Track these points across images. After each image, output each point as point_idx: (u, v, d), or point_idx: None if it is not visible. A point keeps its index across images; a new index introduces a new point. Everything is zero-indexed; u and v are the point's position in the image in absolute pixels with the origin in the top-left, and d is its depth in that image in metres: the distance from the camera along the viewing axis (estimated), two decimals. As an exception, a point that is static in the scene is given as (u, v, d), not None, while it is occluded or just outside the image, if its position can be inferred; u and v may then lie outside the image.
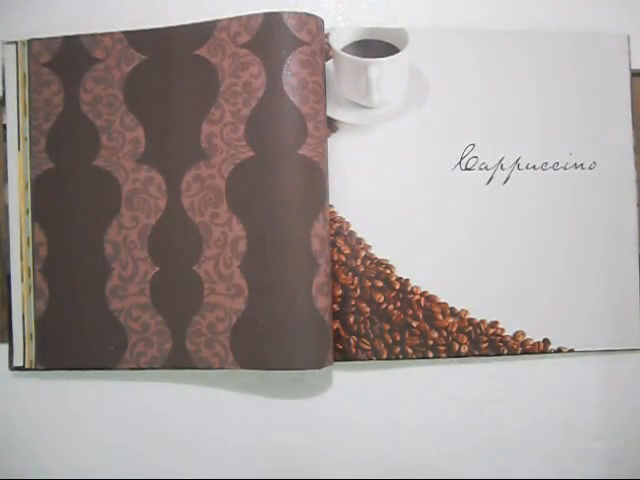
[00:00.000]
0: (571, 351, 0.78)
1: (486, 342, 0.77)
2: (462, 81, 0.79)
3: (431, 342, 0.77)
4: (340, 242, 0.77)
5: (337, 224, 0.77)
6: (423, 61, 0.78)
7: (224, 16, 0.74)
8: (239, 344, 0.73)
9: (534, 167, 0.79)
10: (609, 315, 0.78)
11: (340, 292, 0.77)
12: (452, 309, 0.77)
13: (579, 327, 0.78)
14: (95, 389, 0.79)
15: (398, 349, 0.77)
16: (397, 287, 0.77)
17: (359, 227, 0.77)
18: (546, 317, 0.78)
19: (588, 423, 0.79)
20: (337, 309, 0.76)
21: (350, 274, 0.77)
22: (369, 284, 0.77)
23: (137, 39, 0.76)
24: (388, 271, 0.77)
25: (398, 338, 0.77)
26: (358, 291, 0.77)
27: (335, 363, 0.75)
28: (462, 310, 0.77)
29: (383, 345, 0.77)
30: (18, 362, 0.77)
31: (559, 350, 0.78)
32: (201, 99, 0.75)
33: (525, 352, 0.77)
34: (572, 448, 0.79)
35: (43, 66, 0.78)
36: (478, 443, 0.79)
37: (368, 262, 0.77)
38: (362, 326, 0.76)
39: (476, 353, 0.77)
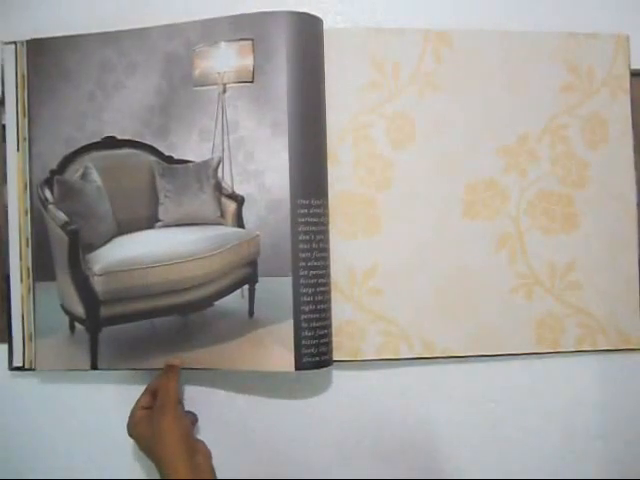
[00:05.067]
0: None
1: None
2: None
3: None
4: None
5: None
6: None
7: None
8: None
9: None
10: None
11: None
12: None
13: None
14: (95, 389, 0.79)
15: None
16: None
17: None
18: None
19: (588, 423, 0.79)
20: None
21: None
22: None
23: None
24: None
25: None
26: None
27: (335, 363, 0.75)
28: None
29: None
30: (18, 362, 0.77)
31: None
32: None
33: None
34: (572, 448, 0.79)
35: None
36: (478, 443, 0.79)
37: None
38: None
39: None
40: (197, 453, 0.72)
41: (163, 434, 0.69)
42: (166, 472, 0.68)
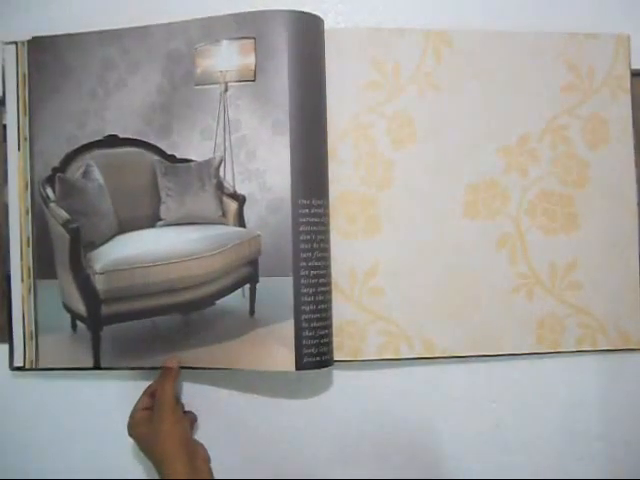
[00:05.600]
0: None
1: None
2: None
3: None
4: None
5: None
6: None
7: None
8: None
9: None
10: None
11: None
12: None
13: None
14: (96, 388, 0.79)
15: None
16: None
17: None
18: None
19: (588, 423, 0.79)
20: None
21: (350, 274, 0.78)
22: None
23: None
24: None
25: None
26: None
27: (335, 363, 0.75)
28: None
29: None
30: (18, 362, 0.77)
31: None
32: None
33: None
34: (572, 448, 0.79)
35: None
36: (478, 443, 0.79)
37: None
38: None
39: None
40: (196, 457, 0.72)
41: (163, 437, 0.70)
42: (166, 474, 0.69)
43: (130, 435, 0.73)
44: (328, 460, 0.78)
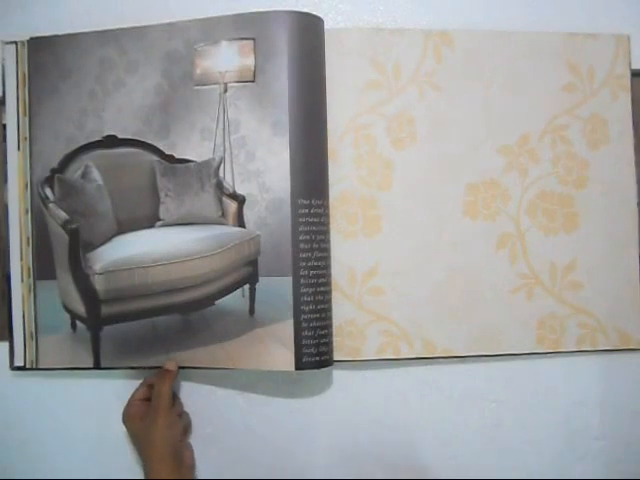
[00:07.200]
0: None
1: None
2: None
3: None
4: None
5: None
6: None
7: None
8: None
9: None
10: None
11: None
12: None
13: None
14: (96, 389, 0.79)
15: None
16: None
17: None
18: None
19: (588, 423, 0.79)
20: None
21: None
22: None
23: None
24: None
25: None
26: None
27: (335, 363, 0.75)
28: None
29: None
30: (19, 362, 0.77)
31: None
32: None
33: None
34: (572, 448, 0.79)
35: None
36: (478, 443, 0.79)
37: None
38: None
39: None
40: (182, 464, 0.74)
41: (153, 440, 0.71)
42: (151, 475, 0.71)
43: (123, 423, 0.75)
44: (327, 460, 0.78)
